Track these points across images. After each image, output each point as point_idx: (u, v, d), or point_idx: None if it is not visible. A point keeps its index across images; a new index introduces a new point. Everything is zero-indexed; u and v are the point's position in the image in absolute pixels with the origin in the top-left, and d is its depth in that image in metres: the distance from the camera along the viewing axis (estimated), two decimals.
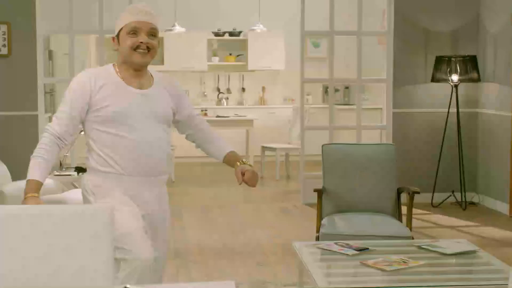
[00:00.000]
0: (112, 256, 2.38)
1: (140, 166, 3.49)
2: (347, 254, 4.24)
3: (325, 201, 5.57)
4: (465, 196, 8.07)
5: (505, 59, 7.67)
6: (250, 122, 11.07)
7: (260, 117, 11.79)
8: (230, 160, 3.78)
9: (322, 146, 5.78)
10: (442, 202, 8.11)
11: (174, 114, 3.69)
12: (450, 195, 8.16)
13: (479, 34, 8.23)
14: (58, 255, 2.35)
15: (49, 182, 6.13)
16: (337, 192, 5.59)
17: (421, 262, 4.02)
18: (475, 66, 7.91)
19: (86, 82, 3.47)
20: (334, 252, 4.28)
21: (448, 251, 4.24)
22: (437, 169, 8.11)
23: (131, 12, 3.51)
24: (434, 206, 8.04)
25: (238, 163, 3.72)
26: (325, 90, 12.28)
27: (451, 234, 6.74)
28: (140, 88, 3.55)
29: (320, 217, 5.38)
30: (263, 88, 12.71)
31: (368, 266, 3.97)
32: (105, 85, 3.47)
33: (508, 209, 7.60)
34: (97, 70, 3.62)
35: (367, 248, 4.34)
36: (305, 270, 4.00)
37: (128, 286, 2.11)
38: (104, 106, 3.44)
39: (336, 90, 12.10)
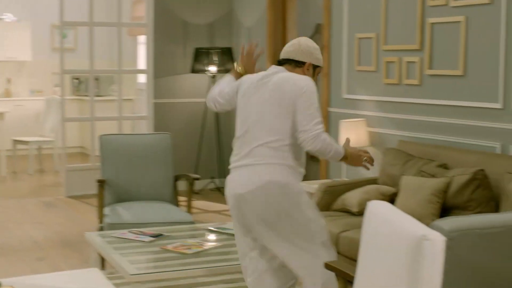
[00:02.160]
0: None
1: None
2: (144, 241, 4.33)
3: (104, 192, 5.58)
4: (224, 182, 8.45)
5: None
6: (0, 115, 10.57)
7: (7, 109, 11.29)
8: None
9: (100, 136, 5.78)
10: (203, 188, 8.43)
11: None
12: (211, 181, 8.50)
13: (233, 27, 8.65)
14: None
15: None
16: (116, 182, 5.63)
17: (218, 244, 4.23)
18: (231, 58, 8.31)
19: None
20: (131, 240, 4.35)
21: None
22: (198, 156, 8.41)
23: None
24: (196, 193, 8.32)
25: None
26: (78, 81, 12.06)
27: (218, 218, 7.04)
28: None
29: (102, 208, 5.38)
30: (9, 80, 12.18)
31: (169, 251, 4.11)
32: None
33: None
34: None
35: (162, 234, 4.47)
36: (108, 259, 4.02)
37: None
38: None
39: (81, 82, 11.94)
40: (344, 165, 6.45)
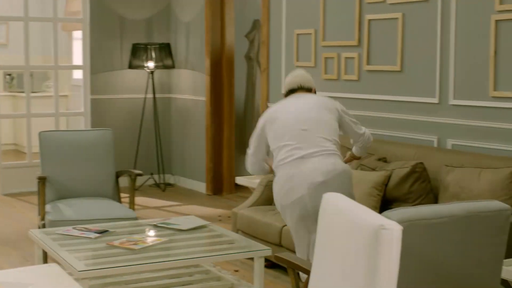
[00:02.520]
0: None
1: None
2: (89, 237, 4.31)
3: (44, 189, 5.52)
4: (163, 178, 8.46)
5: (199, 47, 8.16)
6: None
7: None
8: None
9: (40, 133, 5.70)
10: (142, 185, 8.39)
11: None
12: (150, 178, 8.48)
13: (171, 22, 8.63)
14: None
15: None
16: (57, 179, 5.57)
17: (164, 239, 4.24)
18: (169, 54, 8.30)
19: None
20: (77, 237, 4.32)
21: (184, 227, 4.53)
22: (136, 153, 8.37)
23: None
24: (135, 189, 8.26)
25: None
26: (10, 77, 11.82)
27: (159, 214, 7.03)
28: None
29: (43, 205, 5.32)
30: None
31: (116, 246, 4.10)
32: None
33: (206, 187, 8.14)
34: None
35: (107, 230, 4.45)
36: (54, 256, 3.99)
37: None
38: None
39: (14, 78, 11.71)
40: None
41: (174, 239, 4.27)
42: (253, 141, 4.36)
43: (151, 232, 4.43)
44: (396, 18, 5.50)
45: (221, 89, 8.04)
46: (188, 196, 8.06)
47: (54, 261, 4.54)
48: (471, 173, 4.54)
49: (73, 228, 4.50)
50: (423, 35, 5.30)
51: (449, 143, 5.15)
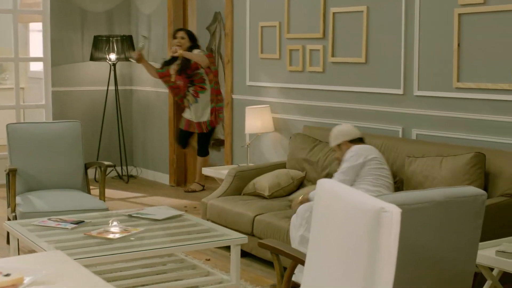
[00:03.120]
0: None
1: None
2: (66, 228, 4.34)
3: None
4: (127, 170, 8.48)
5: (161, 39, 8.19)
6: None
7: None
8: None
9: (7, 125, 5.70)
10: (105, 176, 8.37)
11: None
12: (112, 170, 8.48)
13: (132, 14, 8.63)
14: None
15: None
16: (25, 171, 5.58)
17: (141, 229, 4.30)
18: (131, 46, 8.31)
19: None
20: (53, 228, 4.35)
21: (159, 217, 4.59)
22: (99, 145, 8.36)
23: None
24: (98, 181, 8.28)
25: None
26: None
27: (126, 205, 7.07)
28: None
29: (14, 197, 5.31)
30: None
31: (94, 237, 4.14)
32: None
33: (169, 179, 8.19)
34: None
35: (83, 221, 4.49)
36: (33, 247, 4.01)
37: None
38: None
39: None
40: (248, 151, 6.61)
41: (151, 229, 4.34)
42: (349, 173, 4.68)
43: (127, 223, 4.47)
44: (361, 11, 5.63)
45: None
46: (152, 187, 8.10)
47: (29, 252, 4.57)
48: (433, 162, 4.71)
49: (48, 219, 4.53)
50: (388, 27, 5.44)
51: (414, 133, 5.30)
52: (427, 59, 5.18)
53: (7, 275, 1.93)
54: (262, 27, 6.64)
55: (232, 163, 7.12)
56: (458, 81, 4.98)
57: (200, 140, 7.74)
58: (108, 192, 7.72)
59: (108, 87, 8.37)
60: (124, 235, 4.14)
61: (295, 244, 4.47)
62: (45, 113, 8.27)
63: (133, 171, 8.70)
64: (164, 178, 8.28)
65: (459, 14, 4.92)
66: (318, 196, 2.28)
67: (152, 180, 8.47)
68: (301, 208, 4.55)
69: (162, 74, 7.61)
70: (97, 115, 8.43)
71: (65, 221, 4.47)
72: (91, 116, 8.45)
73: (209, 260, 5.22)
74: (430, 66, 5.16)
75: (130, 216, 4.64)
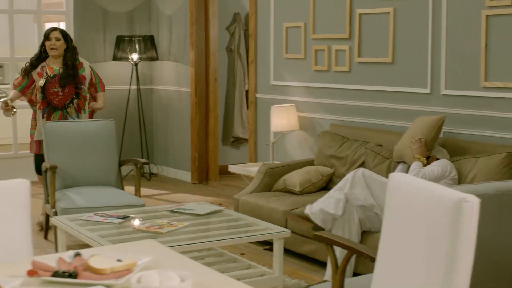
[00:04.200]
0: (29, 227, 2.43)
1: None
2: (113, 223, 4.49)
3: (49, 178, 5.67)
4: (148, 168, 8.64)
5: (182, 40, 8.35)
6: None
7: None
8: None
9: (44, 124, 5.85)
10: (127, 174, 8.53)
11: None
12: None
13: (152, 15, 8.79)
14: None
15: None
16: (62, 168, 5.72)
17: (186, 223, 4.45)
18: (153, 46, 8.46)
19: None
20: (101, 222, 4.50)
21: (201, 212, 4.74)
22: (121, 143, 8.51)
23: None
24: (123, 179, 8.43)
25: None
26: None
27: (152, 202, 7.22)
28: None
29: (53, 193, 5.46)
30: None
31: (143, 231, 4.29)
32: None
33: (191, 176, 8.35)
34: None
35: (128, 216, 4.64)
36: (86, 241, 4.16)
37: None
38: None
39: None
40: (272, 149, 6.76)
41: (195, 223, 4.49)
42: None
43: (171, 218, 4.62)
44: (388, 13, 5.79)
45: (205, 81, 8.24)
46: (175, 185, 8.26)
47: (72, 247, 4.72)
48: (466, 162, 4.87)
49: (94, 214, 4.68)
50: (415, 28, 5.61)
51: (441, 131, 5.46)
52: (454, 58, 5.34)
53: (119, 260, 2.09)
54: (287, 27, 6.80)
55: (255, 161, 7.27)
56: (485, 80, 5.14)
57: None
58: (132, 189, 7.89)
59: (130, 86, 8.52)
60: (171, 229, 4.29)
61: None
62: None
63: (153, 169, 8.85)
64: (185, 175, 8.44)
65: (487, 16, 5.08)
66: (392, 189, 2.44)
67: (174, 177, 8.63)
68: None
69: (25, 89, 6.25)
70: (119, 114, 8.57)
71: (110, 216, 4.62)
72: (113, 115, 8.55)
73: (243, 254, 5.37)
74: (458, 65, 5.32)
75: (172, 211, 4.78)
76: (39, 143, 6.13)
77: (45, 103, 6.14)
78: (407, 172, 5.07)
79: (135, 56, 8.34)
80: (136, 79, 8.49)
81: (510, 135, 5.01)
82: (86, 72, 6.37)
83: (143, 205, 5.36)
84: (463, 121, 5.32)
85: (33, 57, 6.27)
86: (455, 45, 5.32)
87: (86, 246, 4.56)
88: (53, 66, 6.20)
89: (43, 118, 6.12)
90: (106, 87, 8.62)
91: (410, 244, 2.32)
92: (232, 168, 6.89)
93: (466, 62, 5.27)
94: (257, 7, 7.20)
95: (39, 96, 6.16)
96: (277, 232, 4.32)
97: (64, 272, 2.01)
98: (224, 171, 8.45)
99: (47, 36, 6.24)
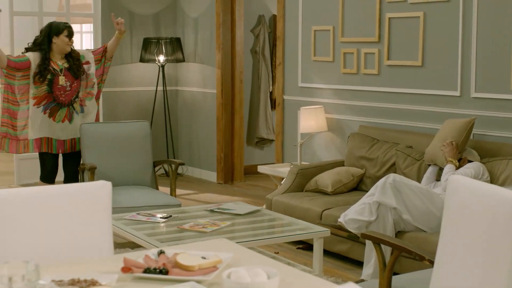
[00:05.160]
0: (110, 227, 2.56)
1: None
2: (157, 222, 4.63)
3: (86, 178, 5.81)
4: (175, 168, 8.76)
5: (208, 42, 8.48)
6: None
7: None
8: None
9: (81, 125, 5.98)
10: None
11: None
12: (160, 167, 8.78)
13: (178, 17, 8.92)
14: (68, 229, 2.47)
15: None
16: (98, 169, 5.86)
17: (228, 223, 4.58)
18: (180, 47, 8.60)
19: None
20: (145, 222, 4.63)
21: (241, 212, 4.87)
22: None
23: None
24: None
25: None
26: None
27: (184, 202, 7.34)
28: None
29: None
30: None
31: (187, 230, 4.42)
32: None
33: (216, 176, 8.48)
34: None
35: (170, 216, 4.77)
36: (133, 239, 4.30)
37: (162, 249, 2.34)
38: None
39: None
40: (298, 150, 6.88)
41: (237, 223, 4.61)
42: None
43: (212, 217, 4.74)
44: (418, 17, 5.91)
45: (231, 82, 8.38)
46: (201, 185, 8.39)
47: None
48: (498, 164, 4.99)
49: (137, 213, 4.81)
50: (445, 32, 5.72)
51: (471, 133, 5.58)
52: (484, 61, 5.45)
53: (203, 258, 2.22)
54: (315, 31, 6.92)
55: (282, 161, 7.39)
56: None
57: (73, 164, 6.17)
58: (162, 189, 8.03)
59: (157, 88, 8.66)
60: (215, 228, 4.42)
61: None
62: None
63: (178, 169, 8.97)
64: (211, 175, 8.58)
65: None
66: (451, 192, 2.57)
67: (199, 177, 8.76)
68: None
69: (14, 63, 5.87)
70: (145, 115, 8.71)
71: (153, 215, 4.75)
72: (139, 116, 8.73)
73: (277, 253, 5.49)
74: (487, 68, 5.44)
75: (211, 211, 4.91)
76: (40, 140, 6.00)
77: (50, 98, 5.96)
78: (438, 174, 5.19)
79: (161, 58, 8.48)
80: (162, 80, 8.63)
81: None
82: (86, 58, 6.25)
83: (179, 205, 5.50)
84: (493, 123, 5.43)
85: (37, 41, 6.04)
86: (485, 48, 5.44)
87: (132, 245, 4.70)
88: (58, 61, 6.01)
89: (44, 113, 5.96)
90: (132, 89, 8.81)
91: (470, 244, 2.44)
92: (261, 169, 7.02)
93: (496, 65, 5.38)
94: (285, 10, 7.33)
95: (40, 90, 5.94)
96: (317, 232, 4.44)
97: (155, 269, 2.14)
98: (248, 171, 8.60)
99: (62, 30, 5.99)
